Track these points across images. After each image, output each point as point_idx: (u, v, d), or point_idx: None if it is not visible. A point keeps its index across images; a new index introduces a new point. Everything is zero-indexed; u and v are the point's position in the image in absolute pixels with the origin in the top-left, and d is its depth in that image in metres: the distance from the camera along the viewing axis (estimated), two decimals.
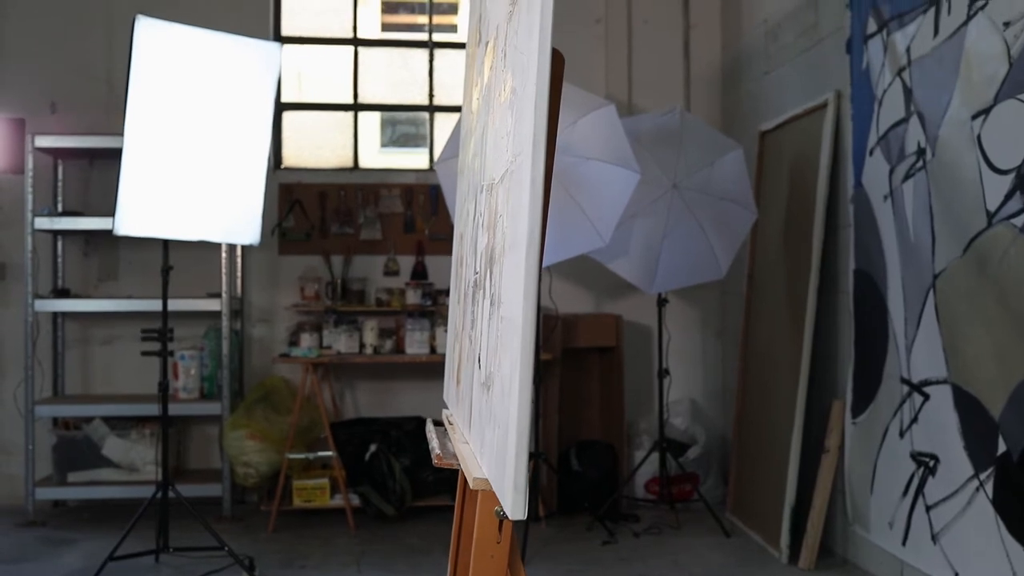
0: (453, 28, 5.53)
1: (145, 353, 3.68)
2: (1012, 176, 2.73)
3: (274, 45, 3.60)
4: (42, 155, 4.58)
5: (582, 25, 5.14)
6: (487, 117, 1.88)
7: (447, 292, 4.78)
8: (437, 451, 1.72)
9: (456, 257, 2.46)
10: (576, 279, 4.97)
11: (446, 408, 2.32)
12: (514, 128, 1.41)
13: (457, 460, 1.71)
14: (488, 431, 1.50)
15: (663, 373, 4.47)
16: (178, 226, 3.31)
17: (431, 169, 5.09)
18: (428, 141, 5.24)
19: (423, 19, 5.32)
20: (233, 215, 3.42)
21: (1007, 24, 2.77)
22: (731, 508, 4.55)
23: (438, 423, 2.19)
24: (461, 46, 5.30)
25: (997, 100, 2.81)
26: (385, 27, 5.79)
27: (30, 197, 4.43)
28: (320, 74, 5.28)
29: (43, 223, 4.47)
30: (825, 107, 3.94)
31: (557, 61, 1.54)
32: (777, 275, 4.37)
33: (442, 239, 4.92)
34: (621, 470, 4.68)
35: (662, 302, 4.48)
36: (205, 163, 3.36)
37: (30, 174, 4.41)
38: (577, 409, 4.92)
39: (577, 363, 4.88)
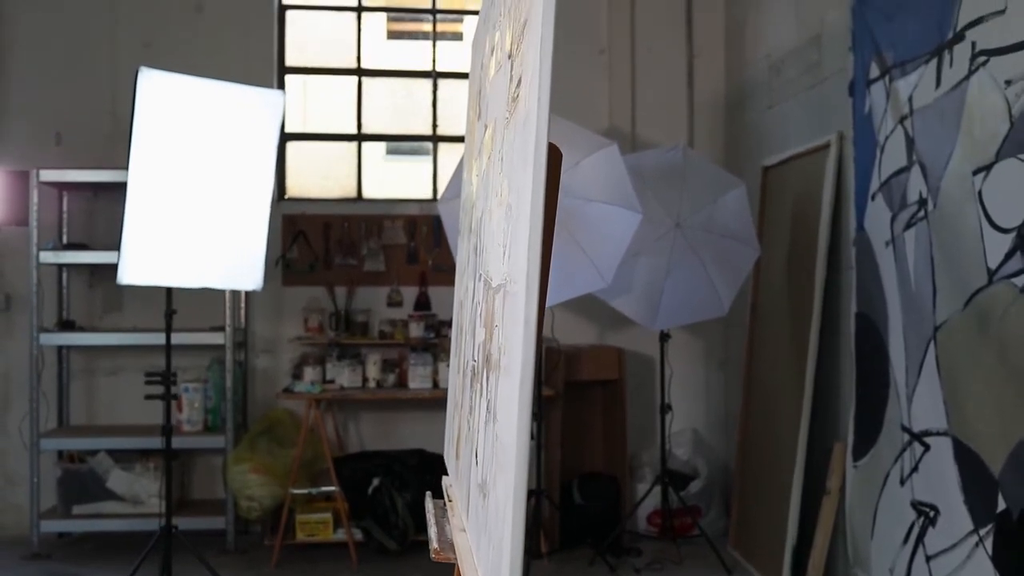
0: (459, 36, 5.54)
1: (149, 397, 3.70)
2: (1013, 235, 2.73)
3: (277, 93, 3.62)
4: (47, 187, 4.61)
5: (585, 55, 5.15)
6: (486, 203, 1.89)
7: (450, 323, 4.80)
8: (435, 543, 1.73)
9: (457, 314, 2.47)
10: (578, 311, 4.97)
11: (447, 476, 2.33)
12: (509, 248, 1.42)
13: (454, 552, 1.71)
14: (483, 540, 1.50)
15: (665, 408, 4.47)
16: (181, 274, 3.33)
17: (434, 199, 5.10)
18: (432, 167, 5.25)
19: (427, 27, 5.32)
20: (236, 261, 3.44)
21: (1008, 83, 2.77)
22: (733, 542, 4.56)
23: (437, 497, 2.20)
24: (465, 75, 5.30)
25: (999, 157, 2.81)
26: (391, 35, 5.80)
27: (35, 231, 4.45)
28: (324, 103, 5.29)
29: (48, 257, 4.50)
30: (828, 148, 3.94)
31: (553, 156, 1.55)
32: (780, 309, 4.37)
33: (445, 270, 4.93)
34: (623, 503, 4.69)
35: (664, 337, 4.49)
36: (208, 210, 3.38)
37: (35, 208, 4.44)
38: (579, 440, 4.93)
39: (579, 395, 4.89)
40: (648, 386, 5.12)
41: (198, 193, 3.36)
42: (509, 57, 1.60)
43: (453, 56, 5.32)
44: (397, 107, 5.32)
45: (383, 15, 5.53)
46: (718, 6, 5.27)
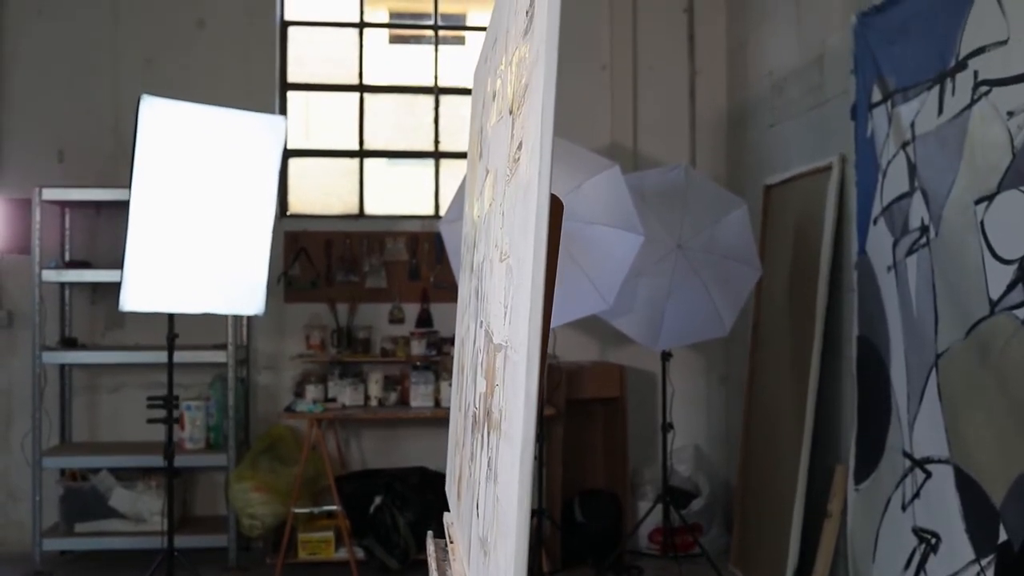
0: (461, 40, 5.53)
1: (151, 420, 3.70)
2: (1015, 267, 2.73)
3: (279, 118, 3.62)
4: (49, 205, 4.62)
5: (588, 71, 5.15)
6: (487, 249, 1.89)
7: (452, 340, 4.80)
8: None
9: (458, 351, 2.47)
10: (580, 327, 4.96)
11: (448, 513, 2.33)
12: (511, 312, 1.42)
13: None
14: None
15: (667, 427, 4.47)
16: (183, 300, 3.34)
17: (436, 216, 5.11)
18: (434, 182, 5.26)
19: (429, 32, 5.32)
20: (237, 286, 3.45)
21: (1011, 114, 2.76)
22: (734, 561, 4.56)
23: (439, 536, 2.20)
24: (467, 91, 5.31)
25: (1000, 188, 2.80)
26: (393, 40, 5.80)
27: (37, 250, 4.46)
28: (326, 119, 5.30)
29: (50, 275, 4.50)
30: (830, 169, 3.94)
31: (555, 208, 1.55)
32: (781, 328, 4.37)
33: (446, 287, 4.93)
34: (625, 521, 4.69)
35: (666, 355, 4.48)
36: (210, 236, 3.39)
37: (37, 227, 4.44)
38: (581, 457, 4.93)
39: (581, 412, 4.89)
40: (649, 402, 5.12)
41: (200, 219, 3.37)
42: (510, 113, 1.60)
43: (455, 63, 5.32)
44: (400, 120, 5.31)
45: (385, 19, 5.52)
46: (719, 22, 5.27)
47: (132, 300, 3.24)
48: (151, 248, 3.27)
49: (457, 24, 5.54)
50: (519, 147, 1.45)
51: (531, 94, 1.34)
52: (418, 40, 5.49)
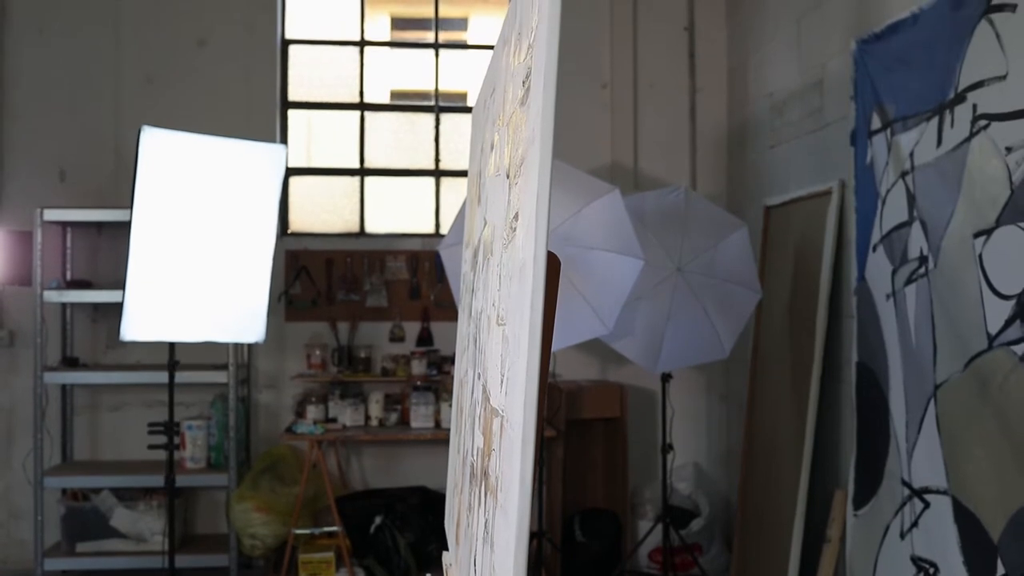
0: (464, 44, 5.53)
1: (152, 447, 3.71)
2: (1013, 303, 2.74)
3: (279, 147, 3.63)
4: (51, 225, 4.63)
5: (588, 90, 5.16)
6: (485, 304, 1.90)
7: (452, 359, 4.81)
8: None
9: (457, 391, 2.48)
10: (580, 346, 4.96)
11: (447, 553, 2.34)
12: (508, 382, 1.42)
13: None
14: None
15: (666, 448, 4.48)
16: (183, 329, 3.35)
17: (436, 234, 5.12)
18: (435, 202, 5.27)
19: (430, 36, 5.33)
20: (238, 314, 3.46)
21: (1009, 149, 2.77)
22: None
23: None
24: (468, 110, 5.32)
25: (999, 223, 2.81)
26: (394, 45, 5.80)
27: (39, 271, 4.47)
28: (327, 136, 5.30)
29: (52, 296, 4.51)
30: (829, 194, 3.95)
31: (552, 265, 1.55)
32: (781, 348, 4.38)
33: (447, 306, 4.94)
34: (625, 540, 4.70)
35: (666, 377, 4.49)
36: (211, 265, 3.40)
37: (39, 249, 4.45)
38: (581, 476, 4.94)
39: (581, 432, 4.90)
40: (650, 421, 5.13)
41: (200, 248, 3.37)
42: (508, 177, 1.60)
43: (456, 67, 5.33)
44: (400, 139, 5.32)
45: (385, 24, 5.52)
46: (720, 40, 5.27)
47: (133, 330, 3.25)
48: (152, 277, 3.28)
49: (459, 26, 5.54)
50: (515, 217, 1.46)
51: (528, 170, 1.34)
52: (418, 45, 5.49)
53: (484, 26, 5.59)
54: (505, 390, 1.45)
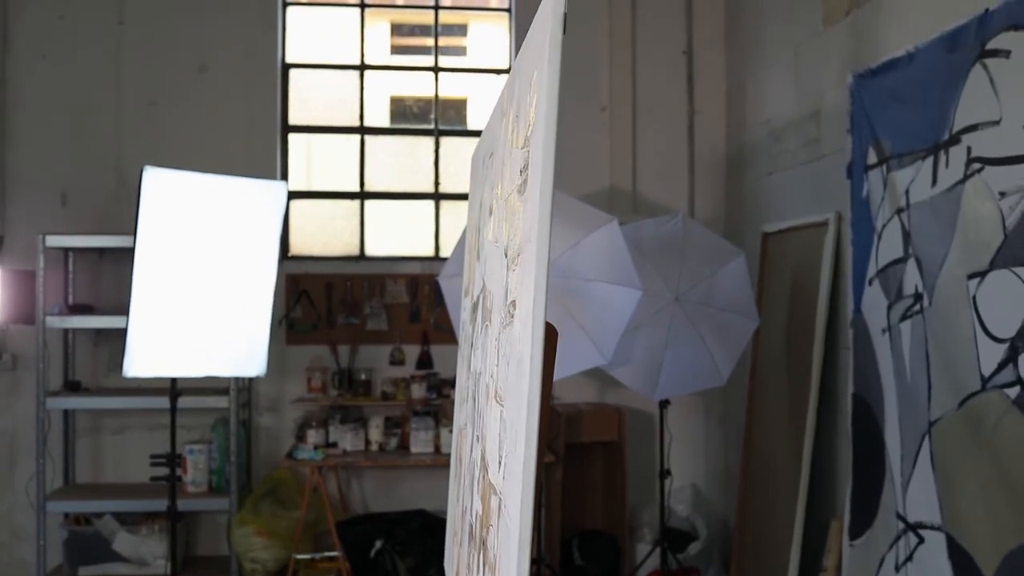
0: (463, 50, 5.56)
1: (155, 479, 3.75)
2: (1006, 346, 2.77)
3: (280, 184, 3.66)
4: (53, 249, 4.66)
5: (587, 113, 5.18)
6: (483, 367, 1.92)
7: (452, 382, 4.84)
8: None
9: (456, 439, 2.51)
10: None
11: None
12: (505, 462, 1.46)
13: None
14: None
15: (664, 473, 4.51)
16: (185, 364, 3.38)
17: (436, 257, 5.15)
18: (434, 224, 5.30)
19: (430, 41, 5.35)
20: (239, 348, 3.49)
21: (1003, 194, 2.80)
22: None
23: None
24: (468, 133, 5.34)
25: (992, 266, 2.84)
26: (395, 49, 5.83)
27: (41, 297, 4.50)
28: (327, 159, 5.33)
29: (54, 322, 4.54)
30: (826, 225, 3.98)
31: (550, 334, 1.58)
32: (779, 375, 4.41)
33: (446, 329, 4.96)
34: (623, 563, 4.74)
35: (664, 403, 4.52)
36: (212, 300, 3.43)
37: (41, 275, 4.48)
38: (579, 499, 4.98)
39: (580, 455, 4.93)
40: (648, 444, 5.16)
41: (202, 284, 3.41)
42: (506, 256, 1.63)
43: (456, 76, 5.36)
44: (400, 161, 5.35)
45: (385, 30, 5.55)
46: (719, 64, 5.30)
47: (136, 366, 3.28)
48: (154, 313, 3.31)
49: (458, 32, 5.57)
50: (513, 304, 1.49)
51: (525, 264, 1.37)
52: (418, 49, 5.52)
53: (483, 32, 5.61)
54: (503, 474, 1.49)
